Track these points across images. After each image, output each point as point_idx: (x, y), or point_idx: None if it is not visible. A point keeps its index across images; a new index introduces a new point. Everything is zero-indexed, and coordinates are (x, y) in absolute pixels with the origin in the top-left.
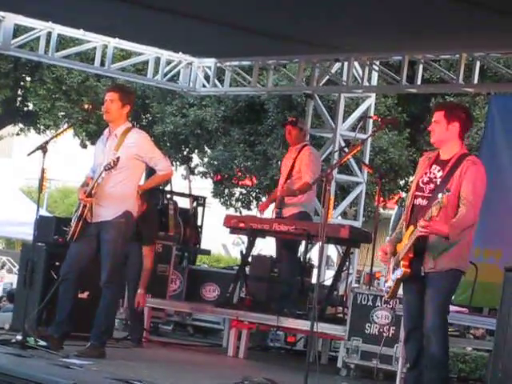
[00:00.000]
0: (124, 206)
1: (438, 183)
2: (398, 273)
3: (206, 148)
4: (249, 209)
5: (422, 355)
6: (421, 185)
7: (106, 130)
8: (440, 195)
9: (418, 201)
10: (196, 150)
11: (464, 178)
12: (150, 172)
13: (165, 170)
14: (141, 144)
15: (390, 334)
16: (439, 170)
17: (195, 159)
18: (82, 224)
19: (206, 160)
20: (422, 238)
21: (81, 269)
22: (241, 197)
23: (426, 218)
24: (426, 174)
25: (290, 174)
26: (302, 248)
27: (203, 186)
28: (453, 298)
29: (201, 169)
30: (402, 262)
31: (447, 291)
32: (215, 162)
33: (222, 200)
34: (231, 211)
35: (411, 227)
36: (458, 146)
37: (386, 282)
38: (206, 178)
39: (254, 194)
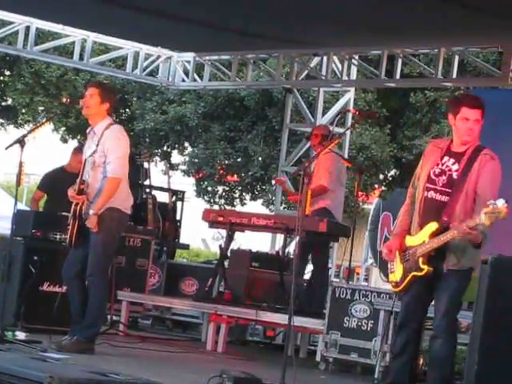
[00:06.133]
0: (108, 203)
1: (455, 177)
2: (418, 270)
3: (187, 144)
4: (233, 205)
5: (409, 344)
6: (432, 177)
7: (89, 127)
8: (501, 204)
9: (431, 194)
10: (176, 146)
11: (482, 172)
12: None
13: (112, 174)
14: (107, 139)
15: (369, 328)
16: (454, 163)
17: (176, 156)
18: (78, 223)
19: (187, 158)
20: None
21: (81, 268)
22: (224, 194)
23: (469, 225)
24: (437, 165)
25: None
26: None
27: (186, 182)
28: None
29: (182, 167)
30: (421, 259)
31: (462, 290)
32: (196, 160)
33: (205, 198)
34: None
35: (433, 224)
36: None
37: (391, 273)
38: (188, 176)
39: (237, 192)
